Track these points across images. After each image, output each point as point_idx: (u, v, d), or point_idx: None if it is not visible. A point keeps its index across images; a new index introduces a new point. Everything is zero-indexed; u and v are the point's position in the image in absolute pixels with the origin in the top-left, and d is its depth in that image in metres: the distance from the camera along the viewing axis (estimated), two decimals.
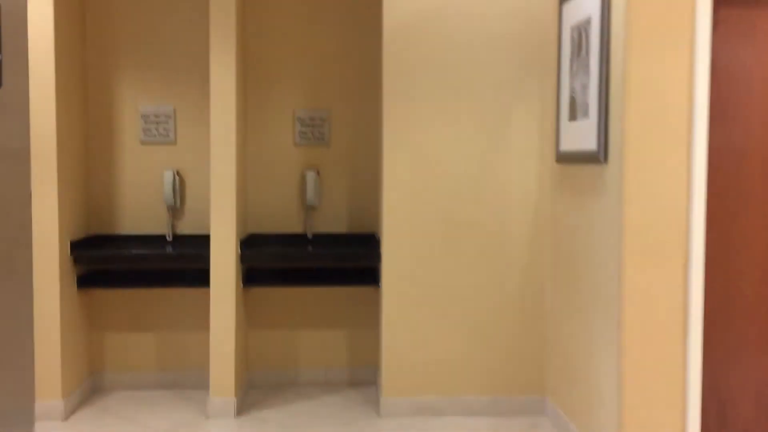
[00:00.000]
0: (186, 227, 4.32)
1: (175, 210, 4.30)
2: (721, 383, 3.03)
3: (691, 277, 2.90)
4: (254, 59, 4.30)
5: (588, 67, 3.20)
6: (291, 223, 4.38)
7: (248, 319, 4.35)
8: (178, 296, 4.32)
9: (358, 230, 4.41)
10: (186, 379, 4.32)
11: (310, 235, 4.36)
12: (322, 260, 4.13)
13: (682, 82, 2.87)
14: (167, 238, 4.27)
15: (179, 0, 4.24)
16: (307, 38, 4.32)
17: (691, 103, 2.87)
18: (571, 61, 3.41)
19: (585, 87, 3.24)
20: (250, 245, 4.14)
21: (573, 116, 3.38)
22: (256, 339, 4.38)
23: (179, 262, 4.06)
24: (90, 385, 4.22)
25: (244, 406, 4.04)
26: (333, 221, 4.40)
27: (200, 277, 4.03)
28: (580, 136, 3.28)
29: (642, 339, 2.93)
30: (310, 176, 4.25)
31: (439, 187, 3.81)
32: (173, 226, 4.30)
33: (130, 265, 4.12)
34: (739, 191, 2.99)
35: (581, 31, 3.28)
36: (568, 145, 3.45)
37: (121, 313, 4.31)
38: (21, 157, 1.83)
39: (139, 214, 4.30)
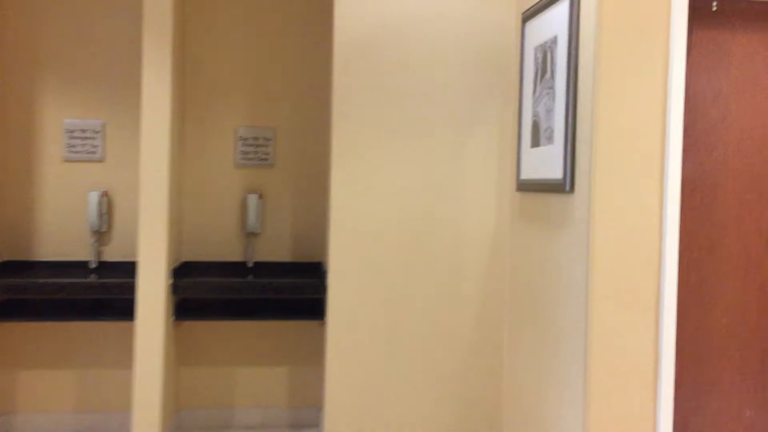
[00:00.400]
0: (113, 254, 3.93)
1: (101, 234, 3.91)
2: (694, 430, 2.80)
3: (663, 318, 2.67)
4: (193, 72, 3.97)
5: (553, 90, 2.98)
6: (230, 251, 4.04)
7: (179, 356, 3.97)
8: (102, 330, 3.92)
9: (304, 259, 4.09)
10: (107, 422, 3.90)
11: (250, 264, 4.02)
12: (262, 291, 3.79)
13: (656, 106, 2.66)
14: (91, 265, 3.88)
15: (111, 3, 3.90)
16: (253, 52, 4.02)
17: (665, 129, 2.66)
18: (535, 83, 3.19)
19: (549, 111, 3.01)
20: (184, 274, 3.78)
21: (536, 142, 3.15)
22: (189, 377, 4.00)
23: (103, 292, 3.66)
24: None
25: None
26: (276, 249, 4.07)
27: (127, 308, 3.65)
28: (544, 163, 3.05)
29: (610, 385, 2.68)
30: (252, 200, 3.93)
31: (390, 215, 3.53)
32: (98, 253, 3.91)
33: (47, 294, 3.69)
34: (713, 224, 2.78)
35: (546, 52, 3.06)
36: (530, 172, 3.22)
37: (36, 348, 3.88)
38: None
39: (61, 238, 3.89)
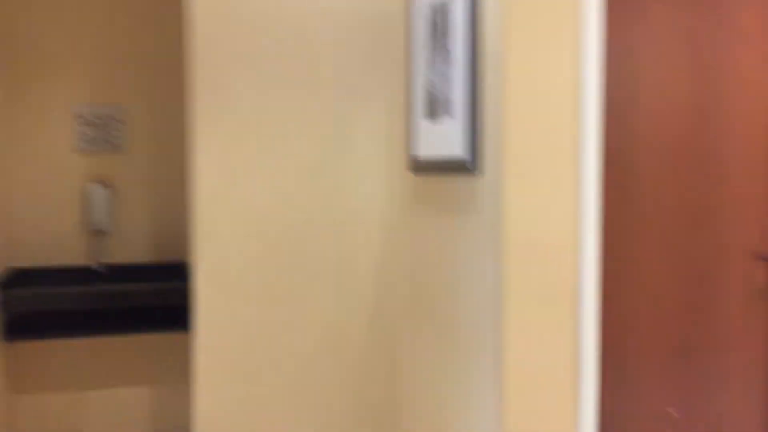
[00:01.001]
0: None
1: None
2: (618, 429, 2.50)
3: (583, 313, 2.33)
4: (15, 38, 3.26)
5: (450, 54, 2.56)
6: (72, 253, 3.38)
7: (13, 383, 3.29)
8: None
9: (165, 259, 3.50)
10: None
11: (100, 268, 3.39)
12: (115, 300, 3.17)
13: (569, 69, 2.30)
14: None
15: None
16: (93, 13, 3.34)
17: (580, 96, 2.30)
18: (428, 46, 2.76)
19: (447, 79, 2.59)
20: (13, 284, 3.10)
21: (432, 115, 2.73)
22: (27, 406, 3.32)
23: None
24: None
25: None
26: (131, 249, 3.46)
27: None
28: (443, 139, 2.63)
29: (528, 388, 2.31)
30: (97, 192, 3.29)
31: (264, 205, 3.00)
32: None
33: None
34: (632, 205, 2.47)
35: (440, 9, 2.63)
36: (426, 150, 2.79)
37: None
38: None
39: None
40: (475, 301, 2.46)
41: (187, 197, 3.47)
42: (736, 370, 2.57)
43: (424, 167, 2.82)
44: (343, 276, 3.09)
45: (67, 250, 3.36)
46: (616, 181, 2.44)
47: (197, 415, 2.99)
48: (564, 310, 2.33)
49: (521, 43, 2.25)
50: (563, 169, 2.30)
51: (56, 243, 3.35)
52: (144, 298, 3.18)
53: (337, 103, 3.06)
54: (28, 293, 3.07)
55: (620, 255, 2.46)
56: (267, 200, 3.01)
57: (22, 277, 3.26)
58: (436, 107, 2.69)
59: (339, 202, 3.08)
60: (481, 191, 2.39)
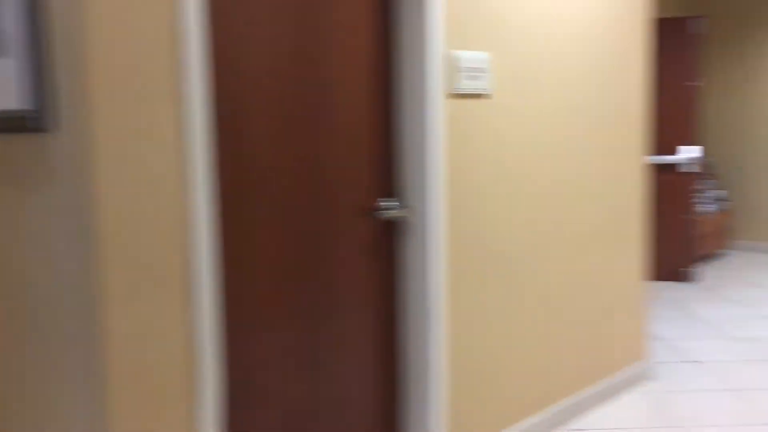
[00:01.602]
0: None
1: None
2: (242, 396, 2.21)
3: (200, 293, 1.95)
4: None
5: None
6: None
7: None
8: None
9: None
10: None
11: None
12: None
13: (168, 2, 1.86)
14: None
15: None
16: None
17: (183, 36, 1.89)
18: None
19: None
20: None
21: None
22: None
23: None
24: None
25: None
26: None
27: None
28: None
29: (139, 387, 1.86)
30: None
31: None
32: None
33: None
34: (249, 166, 2.16)
35: None
36: None
37: None
38: None
39: None
40: (62, 293, 1.88)
41: None
42: (353, 332, 2.49)
43: None
44: None
45: None
46: (226, 139, 2.09)
47: None
48: (176, 291, 1.92)
49: None
50: (165, 123, 1.87)
51: None
52: None
53: None
54: None
55: (235, 221, 2.14)
56: None
57: None
58: None
59: None
60: (57, 154, 1.81)
